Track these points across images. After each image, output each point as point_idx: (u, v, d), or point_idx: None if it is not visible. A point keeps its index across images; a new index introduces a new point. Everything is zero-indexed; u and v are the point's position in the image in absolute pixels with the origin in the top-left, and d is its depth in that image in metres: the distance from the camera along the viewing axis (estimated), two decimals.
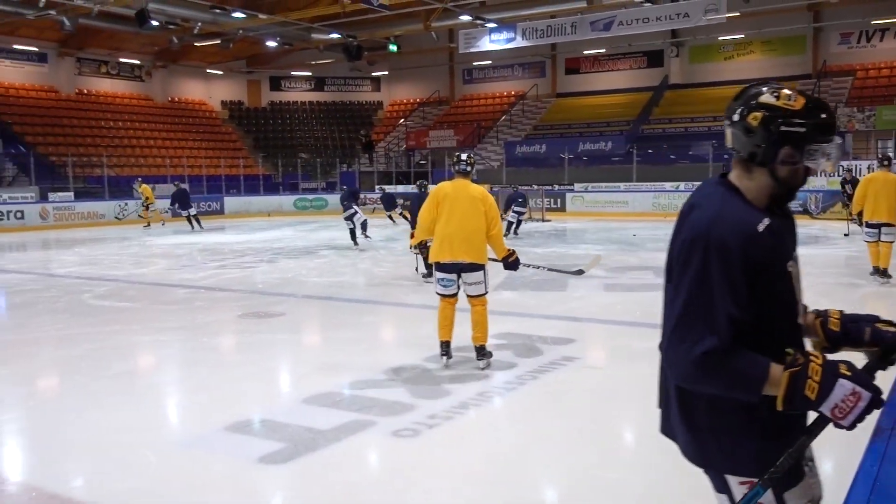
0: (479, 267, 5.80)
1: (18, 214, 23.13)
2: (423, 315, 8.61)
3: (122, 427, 4.66)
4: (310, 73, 41.44)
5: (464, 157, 5.93)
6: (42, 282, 11.58)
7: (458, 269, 5.76)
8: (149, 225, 23.85)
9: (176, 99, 39.05)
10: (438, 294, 5.88)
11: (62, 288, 10.79)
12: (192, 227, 21.82)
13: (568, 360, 6.14)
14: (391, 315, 8.85)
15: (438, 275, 5.83)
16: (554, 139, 32.51)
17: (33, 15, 26.03)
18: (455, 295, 5.87)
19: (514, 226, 18.88)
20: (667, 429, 2.03)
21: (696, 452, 1.93)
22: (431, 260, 5.85)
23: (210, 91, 40.47)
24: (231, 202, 30.13)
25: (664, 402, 2.04)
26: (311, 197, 31.79)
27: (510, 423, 4.74)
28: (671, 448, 2.03)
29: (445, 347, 5.91)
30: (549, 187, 27.68)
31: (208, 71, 39.55)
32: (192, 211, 22.26)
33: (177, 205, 22.61)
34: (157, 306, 9.29)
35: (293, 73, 41.39)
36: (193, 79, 39.65)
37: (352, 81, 42.15)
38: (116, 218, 25.51)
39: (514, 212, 18.93)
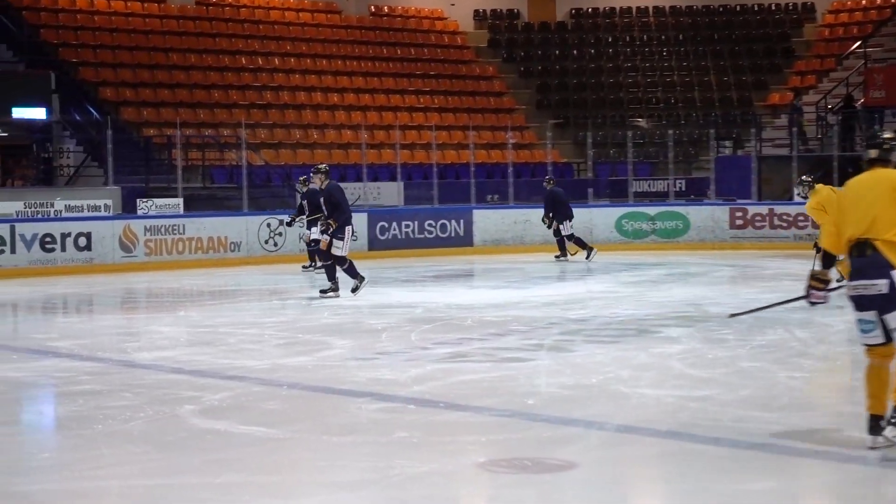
0: None
1: (82, 241, 25.01)
2: None
3: None
4: None
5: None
6: (111, 377, 12.55)
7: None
8: None
9: (384, 10, 41.48)
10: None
11: (145, 391, 11.61)
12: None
13: None
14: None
15: None
16: None
17: None
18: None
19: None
20: None
21: None
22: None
23: None
24: (486, 220, 31.08)
25: None
26: (652, 211, 32.15)
27: None
28: None
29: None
30: None
31: None
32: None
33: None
34: (317, 436, 9.70)
35: None
36: None
37: None
38: (264, 247, 27.17)
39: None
